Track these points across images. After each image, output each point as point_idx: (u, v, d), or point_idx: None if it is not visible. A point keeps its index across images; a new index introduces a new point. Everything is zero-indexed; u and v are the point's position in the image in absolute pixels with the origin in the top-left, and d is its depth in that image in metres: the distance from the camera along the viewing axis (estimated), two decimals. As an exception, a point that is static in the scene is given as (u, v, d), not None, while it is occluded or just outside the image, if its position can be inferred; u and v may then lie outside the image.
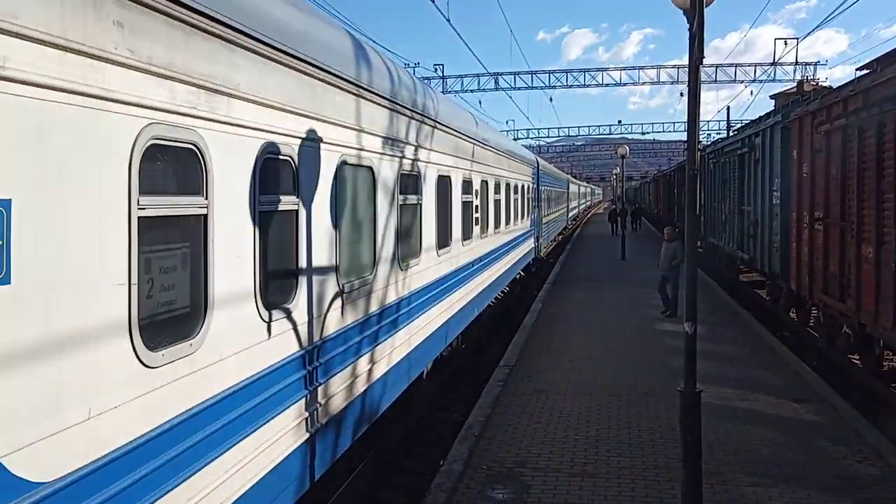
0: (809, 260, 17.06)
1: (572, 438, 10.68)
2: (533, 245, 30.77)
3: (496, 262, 19.53)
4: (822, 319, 17.06)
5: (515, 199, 23.98)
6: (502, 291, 22.58)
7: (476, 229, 16.36)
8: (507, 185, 21.75)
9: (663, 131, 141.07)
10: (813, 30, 29.73)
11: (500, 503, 8.65)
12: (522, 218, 26.14)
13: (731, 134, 37.57)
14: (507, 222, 21.71)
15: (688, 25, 7.94)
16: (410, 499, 10.17)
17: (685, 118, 8.66)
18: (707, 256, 32.44)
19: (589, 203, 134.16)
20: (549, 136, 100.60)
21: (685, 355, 7.87)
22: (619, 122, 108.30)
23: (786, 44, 48.07)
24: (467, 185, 15.25)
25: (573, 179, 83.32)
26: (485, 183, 17.45)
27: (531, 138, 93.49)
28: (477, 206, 16.49)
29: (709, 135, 79.76)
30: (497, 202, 19.63)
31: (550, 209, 43.01)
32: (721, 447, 10.17)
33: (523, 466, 9.67)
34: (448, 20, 25.66)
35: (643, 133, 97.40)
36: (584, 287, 26.79)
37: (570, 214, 70.69)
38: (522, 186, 26.17)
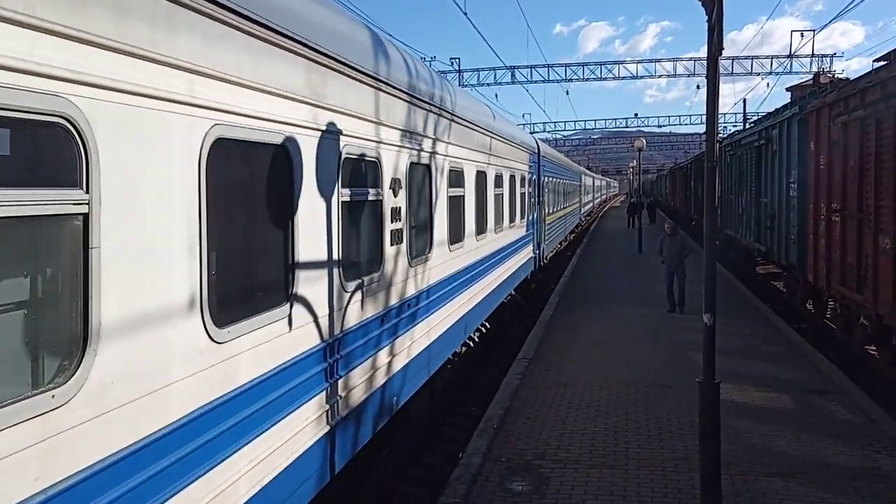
0: (826, 252, 17.02)
1: (591, 430, 10.75)
2: (531, 254, 23.66)
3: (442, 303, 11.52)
4: (840, 311, 17.03)
5: (499, 195, 16.94)
6: (471, 339, 14.93)
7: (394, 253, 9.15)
8: (483, 174, 14.76)
9: (679, 124, 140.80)
10: (829, 22, 29.60)
11: (519, 495, 8.73)
12: (512, 220, 19.24)
13: (747, 126, 37.40)
14: (481, 230, 14.65)
15: (706, 17, 7.96)
16: (430, 491, 10.25)
17: (702, 111, 8.71)
18: (723, 248, 32.34)
19: (605, 197, 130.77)
20: (565, 130, 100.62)
21: (704, 347, 7.91)
22: (636, 115, 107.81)
23: (802, 36, 47.74)
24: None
25: (587, 171, 78.56)
26: (433, 170, 10.88)
27: (548, 132, 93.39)
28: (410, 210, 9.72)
29: (725, 127, 79.30)
30: (457, 201, 12.59)
31: (558, 206, 35.10)
32: (739, 438, 10.20)
33: (542, 458, 9.74)
34: (465, 13, 25.68)
35: (659, 126, 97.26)
36: (600, 279, 26.80)
37: (584, 210, 64.99)
38: (514, 177, 19.32)
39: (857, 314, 15.40)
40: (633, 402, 12.04)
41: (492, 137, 15.80)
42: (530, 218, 23.30)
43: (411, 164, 9.62)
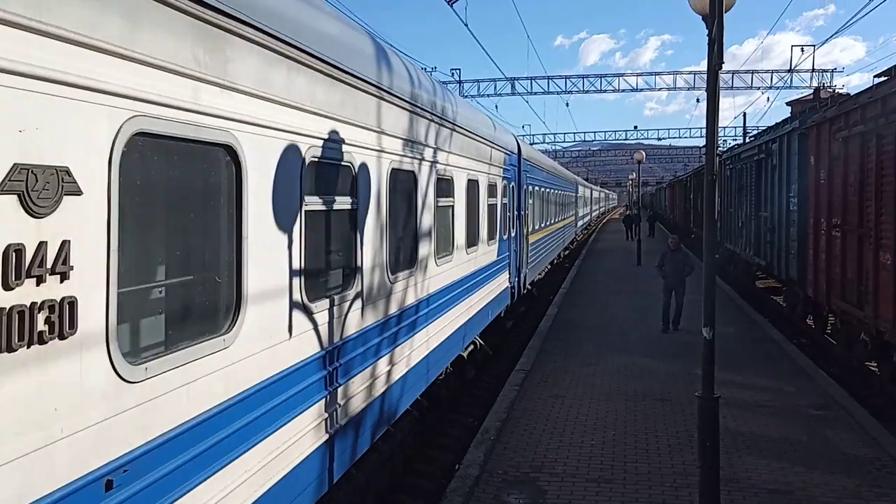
0: (826, 266, 16.98)
1: (588, 443, 10.68)
2: (506, 285, 18.30)
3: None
4: (840, 326, 16.98)
5: (446, 208, 11.80)
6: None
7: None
8: (412, 177, 9.72)
9: (679, 137, 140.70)
10: (830, 37, 29.64)
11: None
12: (474, 243, 13.94)
13: (747, 140, 37.45)
14: (405, 264, 9.49)
15: (706, 31, 7.95)
16: (426, 503, 10.18)
17: (701, 124, 8.70)
18: (722, 262, 32.31)
19: (603, 209, 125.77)
20: (565, 141, 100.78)
21: (703, 361, 7.86)
22: (636, 127, 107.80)
23: (802, 51, 47.87)
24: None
25: (584, 182, 71.67)
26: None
27: (547, 143, 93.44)
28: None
29: (725, 141, 79.41)
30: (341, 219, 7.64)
31: (547, 220, 29.19)
32: (739, 454, 10.13)
33: (539, 472, 9.67)
34: (466, 24, 25.73)
35: (659, 139, 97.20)
36: (600, 292, 26.76)
37: (581, 223, 59.12)
38: (476, 183, 14.00)
39: (858, 330, 15.35)
40: (631, 415, 11.98)
41: (432, 121, 10.37)
42: (506, 237, 17.69)
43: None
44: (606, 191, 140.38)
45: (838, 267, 16.14)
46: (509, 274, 18.39)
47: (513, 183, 18.80)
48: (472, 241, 13.67)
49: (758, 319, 21.18)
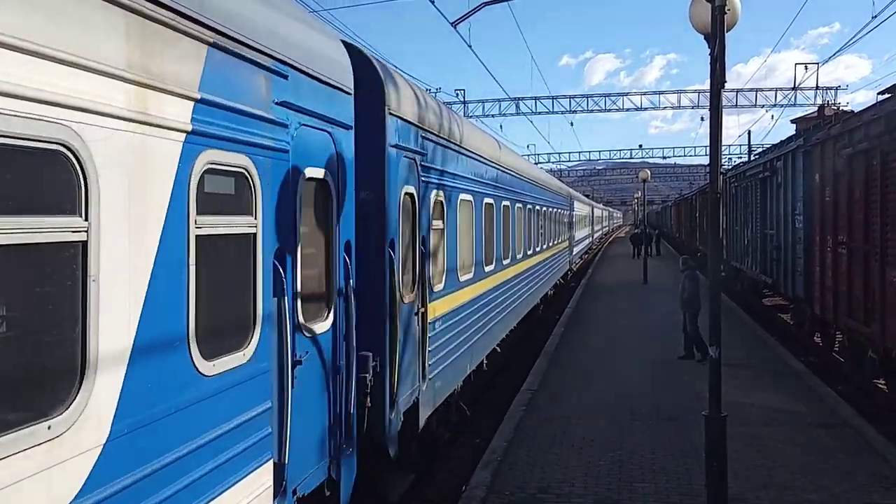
0: (833, 284, 16.94)
1: (596, 463, 10.62)
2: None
3: None
4: (847, 344, 16.91)
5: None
6: None
7: None
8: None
9: (684, 155, 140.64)
10: (833, 55, 29.78)
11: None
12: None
13: (752, 158, 37.49)
14: None
15: (709, 50, 7.99)
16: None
17: (706, 142, 8.70)
18: (728, 280, 32.24)
19: (606, 229, 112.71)
20: (570, 161, 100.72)
21: (710, 380, 7.85)
22: (640, 146, 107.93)
23: (806, 69, 48.03)
24: None
25: (581, 197, 58.13)
26: None
27: (552, 162, 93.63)
28: None
29: (730, 159, 79.52)
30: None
31: (500, 257, 16.58)
32: (746, 473, 10.06)
33: (546, 492, 9.61)
34: (470, 46, 25.80)
35: (664, 157, 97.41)
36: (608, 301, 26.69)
37: (578, 249, 47.25)
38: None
39: (865, 347, 15.28)
40: (638, 434, 11.92)
41: None
42: (272, 334, 5.76)
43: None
44: (610, 209, 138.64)
45: (845, 284, 16.09)
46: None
47: (332, 178, 7.06)
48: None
49: (764, 337, 21.10)
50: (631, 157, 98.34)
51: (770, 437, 11.70)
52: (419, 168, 9.49)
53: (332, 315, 6.91)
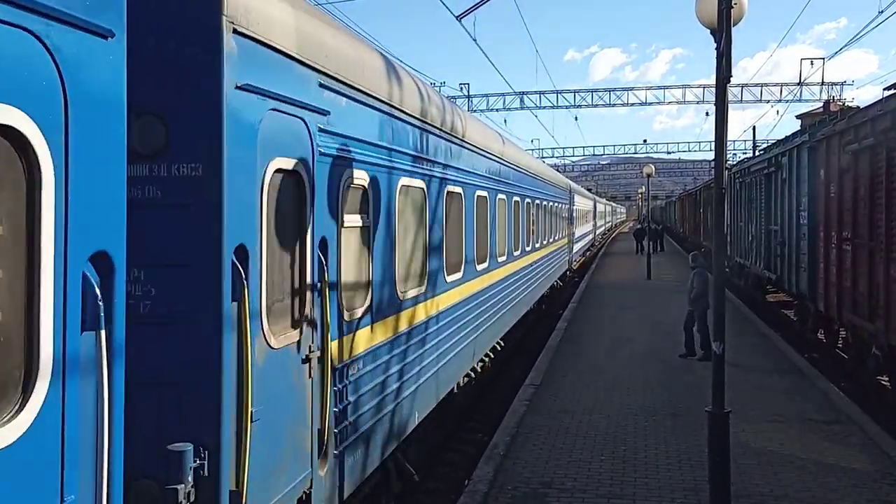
0: (837, 280, 16.90)
1: (598, 459, 10.62)
2: None
3: None
4: (851, 340, 16.88)
5: None
6: None
7: None
8: None
9: (689, 150, 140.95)
10: (839, 50, 29.61)
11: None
12: None
13: (757, 153, 37.40)
14: None
15: (715, 45, 7.96)
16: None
17: (711, 137, 8.68)
18: (732, 276, 32.20)
19: (610, 225, 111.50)
20: (574, 155, 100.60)
21: (713, 376, 7.83)
22: (645, 141, 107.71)
23: (812, 64, 47.85)
24: None
25: (583, 191, 55.74)
26: None
27: (556, 157, 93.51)
28: None
29: (734, 154, 79.39)
30: None
31: (464, 260, 12.34)
32: (749, 469, 10.06)
33: (549, 487, 9.61)
34: (474, 40, 25.78)
35: (668, 152, 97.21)
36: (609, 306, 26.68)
37: (579, 247, 43.86)
38: None
39: (869, 344, 15.25)
40: (641, 430, 11.91)
41: None
42: None
43: None
44: (613, 204, 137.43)
45: (849, 280, 16.05)
46: None
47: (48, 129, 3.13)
48: None
49: (768, 333, 21.07)
50: (635, 153, 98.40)
51: (773, 433, 11.69)
52: (313, 134, 6.22)
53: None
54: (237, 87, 5.10)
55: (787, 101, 53.02)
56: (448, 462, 12.56)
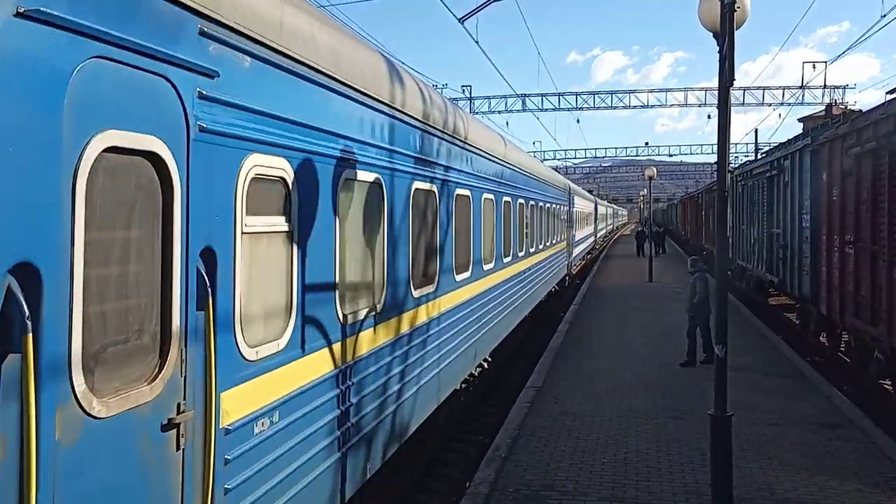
0: (840, 283, 16.88)
1: (600, 461, 10.61)
2: None
3: None
4: (853, 344, 16.86)
5: None
6: None
7: None
8: None
9: (691, 153, 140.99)
10: (842, 54, 29.63)
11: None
12: None
13: (759, 156, 37.37)
14: None
15: (718, 48, 7.96)
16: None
17: (713, 140, 8.68)
18: (734, 279, 32.15)
19: (611, 227, 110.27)
20: (575, 158, 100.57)
21: (716, 379, 7.82)
22: (647, 143, 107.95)
23: (814, 67, 47.83)
24: None
25: (584, 193, 53.75)
26: None
27: (558, 159, 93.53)
28: None
29: (736, 157, 79.39)
30: None
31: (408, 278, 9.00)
32: (751, 472, 10.04)
33: (550, 489, 9.60)
34: (476, 42, 25.78)
35: (670, 155, 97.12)
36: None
37: (578, 250, 42.20)
38: None
39: (872, 347, 15.24)
40: (643, 432, 11.90)
41: None
42: None
43: None
44: (615, 206, 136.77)
45: (851, 284, 16.03)
46: None
47: None
48: None
49: (770, 336, 21.05)
50: (637, 155, 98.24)
51: (775, 437, 11.67)
52: (185, 101, 4.42)
53: None
54: (17, 15, 3.26)
55: (789, 105, 53.01)
56: (449, 463, 12.55)
